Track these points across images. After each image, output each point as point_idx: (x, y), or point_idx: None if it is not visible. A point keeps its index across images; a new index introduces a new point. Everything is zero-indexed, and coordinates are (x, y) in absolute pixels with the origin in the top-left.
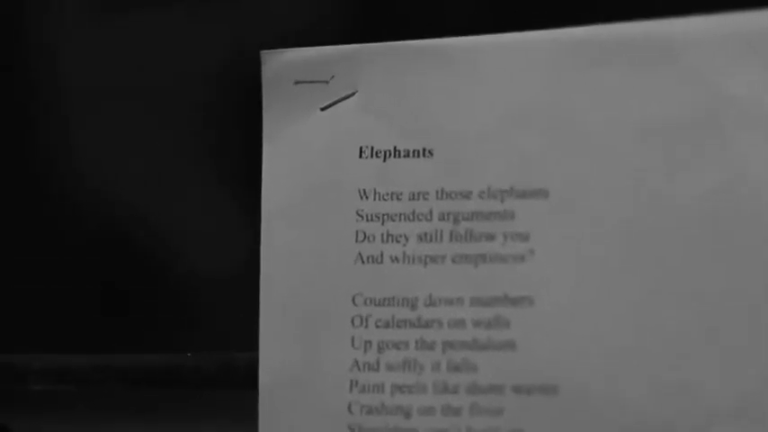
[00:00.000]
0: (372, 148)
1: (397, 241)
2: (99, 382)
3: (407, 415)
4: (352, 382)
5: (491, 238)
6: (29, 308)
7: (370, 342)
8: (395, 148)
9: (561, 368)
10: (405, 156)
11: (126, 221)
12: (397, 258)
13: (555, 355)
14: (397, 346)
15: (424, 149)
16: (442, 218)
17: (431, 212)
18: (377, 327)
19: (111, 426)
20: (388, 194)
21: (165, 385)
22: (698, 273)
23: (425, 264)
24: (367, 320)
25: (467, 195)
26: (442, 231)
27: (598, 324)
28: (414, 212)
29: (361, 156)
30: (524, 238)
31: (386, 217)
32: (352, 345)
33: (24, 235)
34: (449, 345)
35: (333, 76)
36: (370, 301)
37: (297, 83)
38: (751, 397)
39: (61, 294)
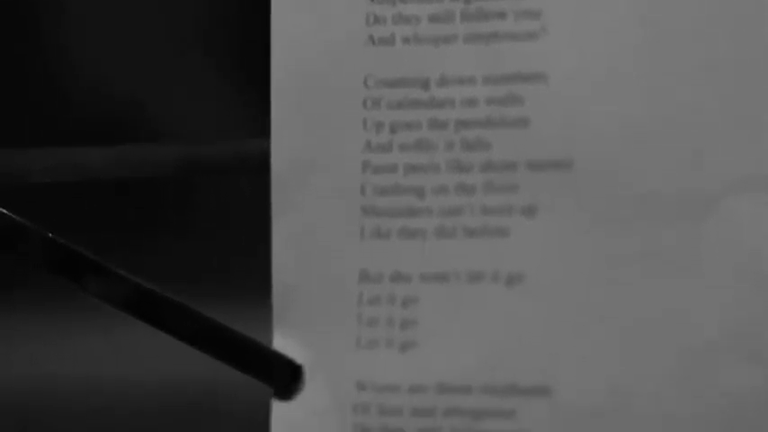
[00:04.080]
0: None
1: (409, 22)
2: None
3: (421, 195)
4: (364, 163)
5: (502, 16)
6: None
7: (382, 123)
8: None
9: (575, 143)
10: None
11: None
12: (408, 39)
13: (569, 130)
14: (409, 126)
15: None
16: None
17: None
18: (389, 108)
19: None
20: None
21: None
22: (711, 43)
23: (437, 44)
24: (379, 102)
25: None
26: (453, 11)
27: (611, 97)
28: None
29: None
30: (536, 15)
31: None
32: (364, 127)
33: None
34: (462, 123)
35: None
36: (382, 83)
37: None
38: (764, 168)
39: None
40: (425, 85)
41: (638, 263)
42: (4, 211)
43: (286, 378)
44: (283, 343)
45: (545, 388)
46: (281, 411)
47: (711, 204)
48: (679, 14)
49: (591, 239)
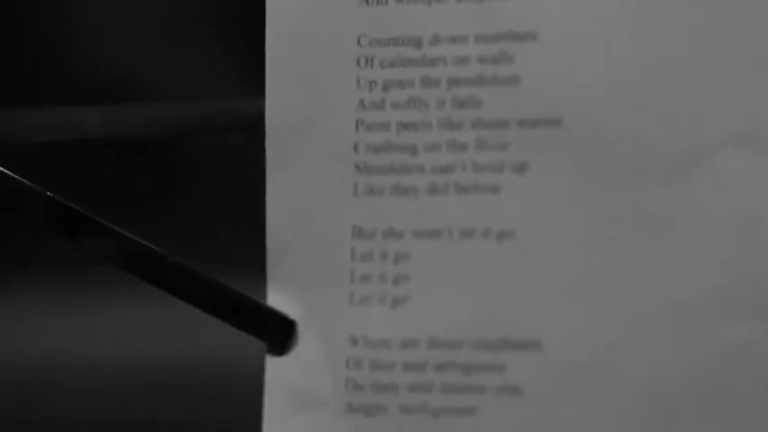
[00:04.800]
0: None
1: None
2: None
3: (413, 152)
4: (357, 121)
5: None
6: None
7: (375, 82)
8: None
9: (564, 101)
10: None
11: None
12: None
13: (559, 88)
14: (401, 84)
15: None
16: None
17: None
18: (382, 67)
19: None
20: None
21: (175, 135)
22: (702, 1)
23: (429, 3)
24: (372, 60)
25: None
26: None
27: (601, 56)
28: None
29: None
30: None
31: None
32: (358, 85)
33: None
34: (453, 82)
35: None
36: (375, 42)
37: None
38: (754, 124)
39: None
40: (418, 43)
41: (628, 219)
42: (4, 170)
43: (279, 333)
44: (277, 299)
45: (536, 342)
46: (274, 366)
47: (702, 161)
48: None
49: (581, 196)
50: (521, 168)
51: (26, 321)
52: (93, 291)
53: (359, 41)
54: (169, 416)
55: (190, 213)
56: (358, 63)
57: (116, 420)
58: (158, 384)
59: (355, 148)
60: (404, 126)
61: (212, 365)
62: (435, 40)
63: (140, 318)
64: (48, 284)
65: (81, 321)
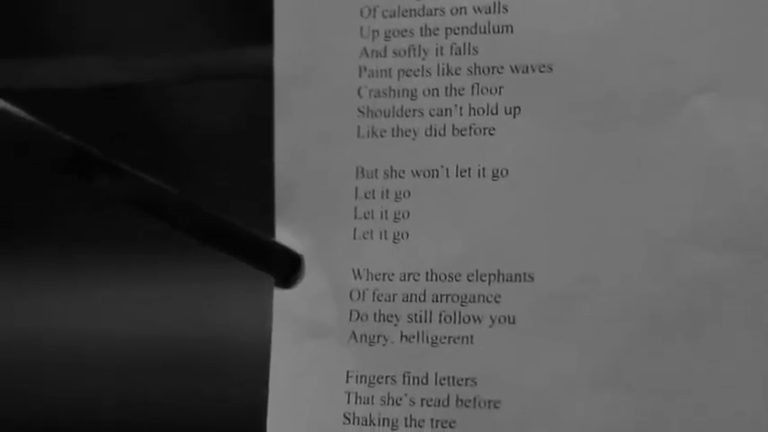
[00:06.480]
0: None
1: None
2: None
3: (413, 96)
4: (361, 68)
5: None
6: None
7: (377, 31)
8: None
9: (555, 49)
10: None
11: None
12: None
13: (549, 36)
14: (402, 33)
15: None
16: None
17: None
18: (384, 17)
19: None
20: None
21: (183, 81)
22: None
23: None
24: (375, 11)
25: None
26: None
27: (586, 4)
28: None
29: None
30: None
31: None
32: (361, 34)
33: None
34: (451, 30)
35: None
36: None
37: None
38: (725, 67)
39: None
40: None
41: (610, 159)
42: (15, 110)
43: (286, 267)
44: (284, 235)
45: (528, 274)
46: (282, 299)
47: (681, 104)
48: None
49: (569, 137)
50: (514, 111)
51: (24, 299)
52: (90, 268)
53: None
54: (167, 392)
55: (198, 158)
56: (361, 13)
57: (113, 397)
58: (156, 362)
59: (359, 93)
60: (404, 72)
61: (212, 343)
62: None
63: (139, 295)
64: (45, 261)
65: (77, 299)
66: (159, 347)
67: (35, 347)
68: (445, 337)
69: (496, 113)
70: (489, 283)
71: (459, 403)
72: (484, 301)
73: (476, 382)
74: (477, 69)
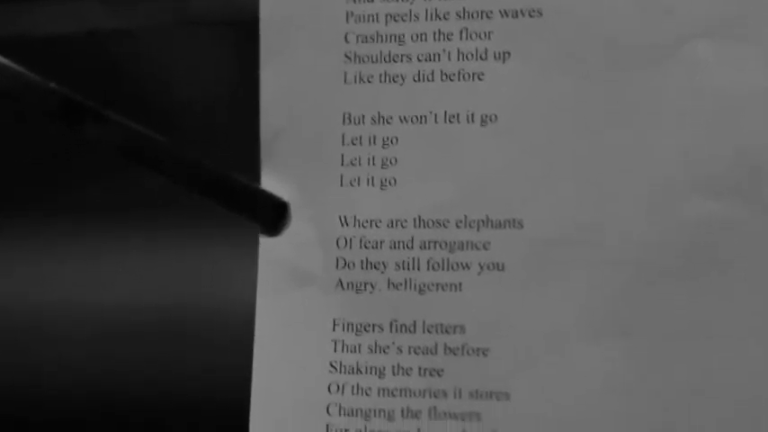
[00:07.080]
0: None
1: None
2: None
3: (401, 41)
4: (348, 13)
5: None
6: None
7: None
8: None
9: None
10: None
11: None
12: None
13: None
14: None
15: None
16: None
17: None
18: None
19: None
20: None
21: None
22: None
23: None
24: None
25: None
26: None
27: None
28: None
29: None
30: None
31: None
32: None
33: None
34: None
35: None
36: None
37: None
38: (723, 13)
39: None
40: None
41: (604, 105)
42: (6, 61)
43: (272, 215)
44: (271, 182)
45: (518, 221)
46: (267, 247)
47: (673, 50)
48: None
49: (560, 83)
50: (503, 56)
51: (17, 268)
52: (83, 237)
53: None
54: (157, 361)
55: (186, 105)
56: None
57: (102, 366)
58: (147, 331)
59: (345, 38)
60: (392, 17)
61: (196, 312)
62: None
63: (129, 264)
64: (39, 231)
65: (71, 268)
66: (145, 316)
67: (16, 316)
68: (433, 285)
69: (485, 59)
70: (478, 230)
71: (448, 351)
72: (472, 247)
73: (464, 330)
74: (466, 14)
